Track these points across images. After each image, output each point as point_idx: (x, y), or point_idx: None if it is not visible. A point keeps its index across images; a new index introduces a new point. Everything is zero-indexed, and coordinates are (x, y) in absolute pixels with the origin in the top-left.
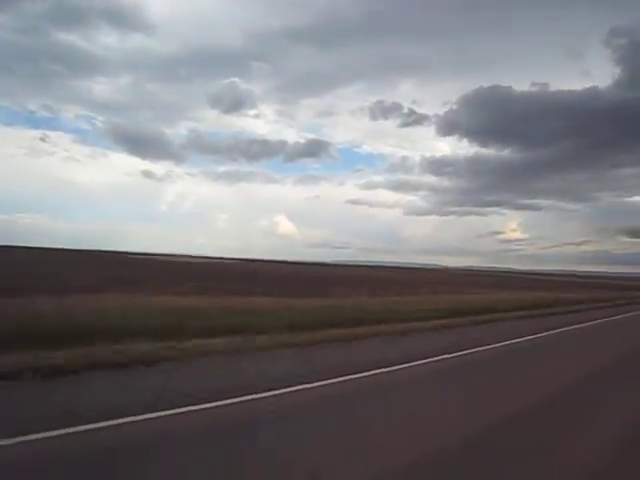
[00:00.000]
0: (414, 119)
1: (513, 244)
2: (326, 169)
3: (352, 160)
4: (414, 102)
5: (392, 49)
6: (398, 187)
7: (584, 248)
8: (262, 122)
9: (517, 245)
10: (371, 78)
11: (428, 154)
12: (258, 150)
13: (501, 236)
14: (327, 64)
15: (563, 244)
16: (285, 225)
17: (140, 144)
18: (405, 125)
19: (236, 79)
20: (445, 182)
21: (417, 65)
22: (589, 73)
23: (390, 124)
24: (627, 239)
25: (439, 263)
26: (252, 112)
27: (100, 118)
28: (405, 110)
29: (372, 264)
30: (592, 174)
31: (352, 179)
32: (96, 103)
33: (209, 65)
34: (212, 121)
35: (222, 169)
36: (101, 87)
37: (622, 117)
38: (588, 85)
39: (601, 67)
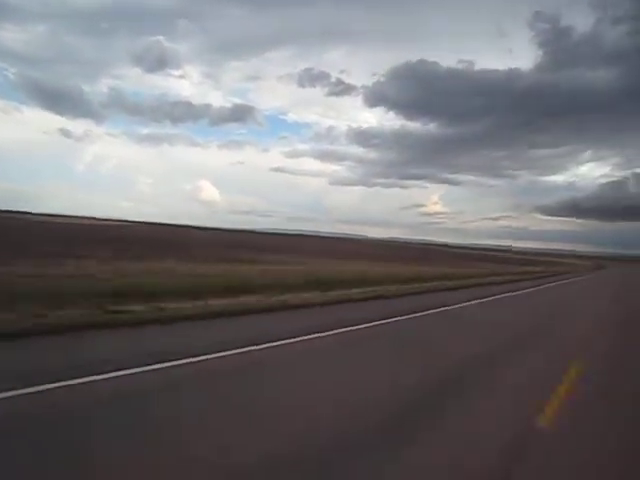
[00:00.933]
0: (342, 89)
1: (435, 217)
2: (251, 135)
3: (278, 127)
4: (343, 72)
5: (323, 16)
6: (324, 156)
7: (502, 223)
8: (187, 83)
9: (439, 218)
10: (301, 44)
11: (355, 125)
12: (182, 112)
13: (423, 209)
14: (257, 27)
15: (482, 219)
16: (209, 191)
17: (57, 100)
18: (332, 94)
19: (161, 37)
20: (371, 153)
21: (348, 35)
22: (513, 53)
23: (318, 92)
24: (541, 216)
25: (363, 234)
26: (177, 72)
27: (12, 70)
28: (333, 79)
29: (297, 233)
30: (511, 152)
31: (277, 146)
32: (7, 53)
33: (133, 20)
34: (135, 80)
35: (145, 131)
36: (13, 36)
37: (541, 99)
38: (512, 65)
39: (524, 49)
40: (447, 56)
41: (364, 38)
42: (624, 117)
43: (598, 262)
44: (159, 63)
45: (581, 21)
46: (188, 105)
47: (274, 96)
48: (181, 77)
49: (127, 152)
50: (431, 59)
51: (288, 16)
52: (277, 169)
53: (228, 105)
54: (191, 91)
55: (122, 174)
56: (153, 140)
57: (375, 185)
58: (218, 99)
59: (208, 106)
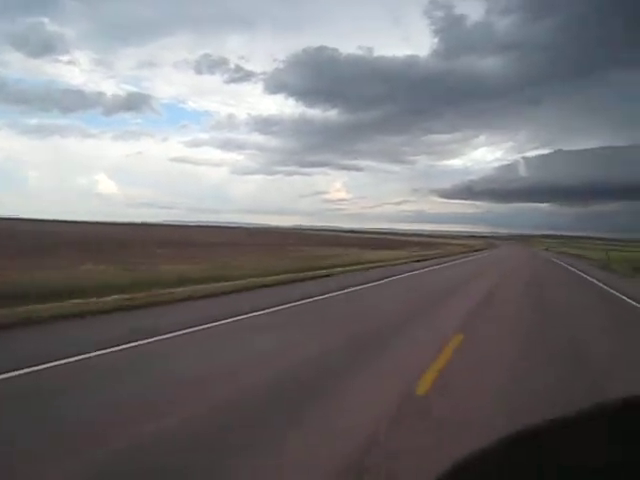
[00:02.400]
0: (241, 75)
1: (338, 204)
2: (148, 124)
3: (176, 116)
4: (242, 58)
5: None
6: (224, 145)
7: (402, 207)
8: (77, 70)
9: (341, 205)
10: (198, 30)
11: (255, 112)
12: (73, 101)
13: (326, 196)
14: (151, 12)
15: (383, 204)
16: (105, 184)
17: None
18: (232, 81)
19: (45, 19)
20: (272, 141)
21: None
22: (410, 41)
23: (217, 79)
24: (439, 199)
25: (266, 223)
26: (65, 58)
27: None
28: (232, 66)
29: (198, 224)
30: (410, 138)
31: (177, 136)
32: None
33: None
34: (17, 65)
35: (32, 121)
36: None
37: (437, 86)
38: (409, 52)
39: (421, 36)
40: (347, 42)
41: (263, 23)
42: (514, 104)
43: (491, 242)
44: (43, 47)
45: (473, 10)
46: (79, 93)
47: (171, 84)
48: (70, 63)
49: (12, 145)
50: (331, 45)
51: (184, 2)
52: (177, 159)
53: (122, 93)
54: (82, 78)
55: (7, 169)
56: (42, 131)
57: (277, 173)
58: (111, 87)
59: (101, 94)
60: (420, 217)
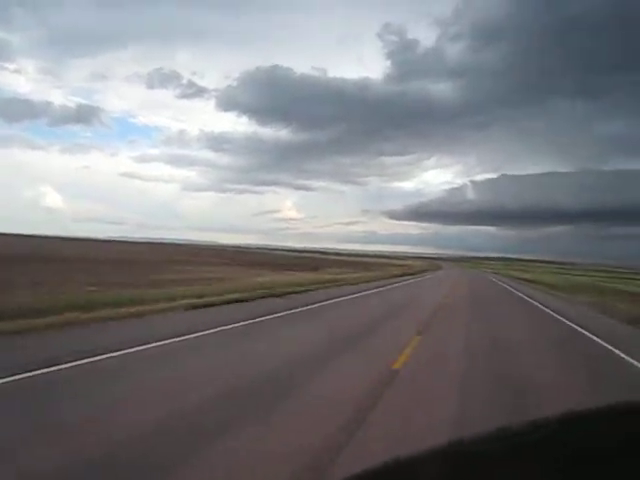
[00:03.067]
0: (194, 91)
1: (289, 223)
2: (98, 138)
3: (126, 130)
4: (195, 73)
5: (175, 15)
6: (175, 161)
7: (353, 228)
8: (23, 79)
9: (293, 224)
10: (151, 44)
11: (207, 129)
12: (19, 111)
13: (277, 215)
14: (103, 23)
15: (334, 224)
16: (52, 197)
17: None
18: (184, 97)
19: None
20: (224, 159)
21: (200, 35)
22: (364, 63)
23: (169, 94)
24: (390, 220)
25: (216, 240)
26: (10, 66)
27: None
28: (184, 81)
29: (147, 240)
30: (361, 159)
31: (126, 150)
32: None
33: None
34: None
35: None
36: None
37: (390, 108)
38: (363, 75)
39: (374, 59)
40: (301, 62)
41: (217, 40)
42: (463, 128)
43: (436, 263)
44: None
45: (425, 35)
46: (26, 103)
47: (122, 97)
48: (16, 72)
49: None
50: (285, 64)
51: (137, 13)
52: (127, 174)
53: (72, 105)
54: (28, 88)
55: None
56: None
57: (228, 191)
58: (60, 98)
59: (49, 105)
60: (371, 238)
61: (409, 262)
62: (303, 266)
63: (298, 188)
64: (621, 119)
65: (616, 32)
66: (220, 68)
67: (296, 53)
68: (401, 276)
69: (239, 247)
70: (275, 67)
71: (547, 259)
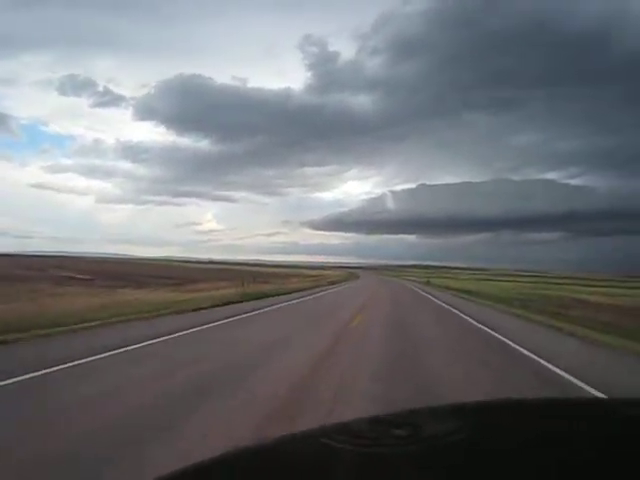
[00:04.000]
0: (110, 99)
1: (210, 235)
2: (5, 147)
3: (37, 139)
4: (111, 81)
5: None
6: (90, 172)
7: (275, 239)
8: None
9: (214, 236)
10: (64, 49)
11: (124, 138)
12: None
13: (198, 227)
14: (11, 24)
15: (256, 235)
16: None
17: None
18: (99, 105)
19: None
20: (141, 169)
21: (116, 42)
22: (285, 74)
23: (83, 102)
24: (311, 231)
25: (133, 254)
26: None
27: None
28: (100, 88)
29: (58, 254)
30: (282, 170)
31: (37, 160)
32: None
33: None
34: None
35: None
36: None
37: (310, 120)
38: (283, 85)
39: (295, 70)
40: (221, 72)
41: (136, 47)
42: (382, 140)
43: (355, 272)
44: None
45: (346, 48)
46: None
47: (32, 104)
48: None
49: None
50: (205, 74)
51: (49, 17)
52: (37, 185)
53: None
54: None
55: None
56: None
57: (147, 203)
58: None
59: None
60: (292, 248)
61: (327, 272)
62: (180, 280)
63: (219, 199)
64: (533, 131)
65: (529, 48)
66: (138, 76)
67: (216, 63)
68: (308, 289)
69: (153, 260)
70: (194, 76)
71: (468, 266)
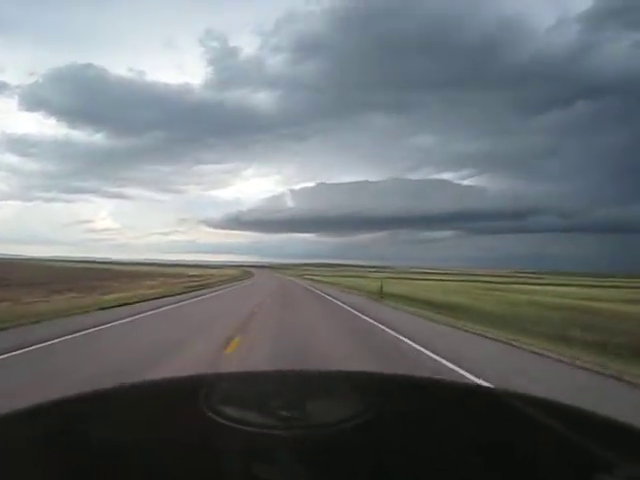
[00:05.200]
0: None
1: (104, 233)
2: None
3: None
4: None
5: None
6: None
7: (172, 237)
8: None
9: (108, 234)
10: None
11: (9, 130)
12: None
13: (91, 225)
14: None
15: (153, 233)
16: None
17: None
18: None
19: None
20: (29, 164)
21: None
22: (184, 68)
23: None
24: (209, 229)
25: (19, 253)
26: None
27: None
28: None
29: None
30: (180, 167)
31: None
32: None
33: None
34: None
35: None
36: None
37: (210, 116)
38: (183, 80)
39: (195, 64)
40: (117, 63)
41: (23, 32)
42: (282, 138)
43: (250, 271)
44: None
45: (247, 44)
46: None
47: None
48: None
49: None
50: (99, 64)
51: None
52: None
53: None
54: None
55: None
56: None
57: (35, 199)
58: None
59: None
60: (190, 247)
61: (211, 272)
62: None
63: (114, 197)
64: (430, 133)
65: (430, 52)
66: (24, 63)
67: (112, 53)
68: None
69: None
70: (88, 66)
71: (368, 264)
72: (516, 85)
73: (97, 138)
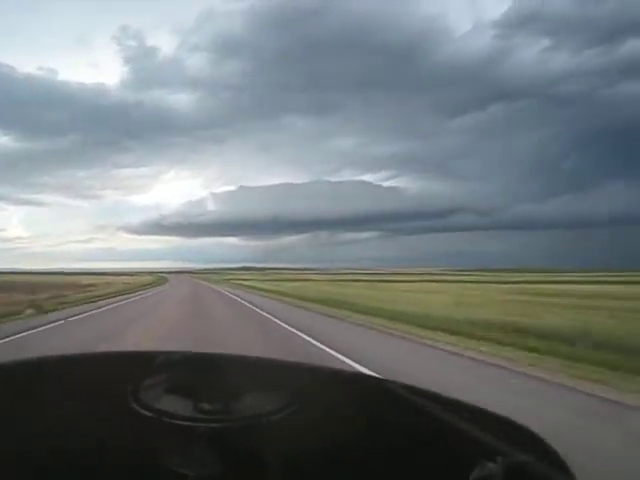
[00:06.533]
0: None
1: (16, 242)
2: None
3: None
4: None
5: None
6: None
7: (91, 245)
8: None
9: (21, 243)
10: None
11: None
12: None
13: (2, 233)
14: None
15: (70, 241)
16: None
17: None
18: None
19: None
20: None
21: None
22: (99, 67)
23: None
24: (129, 236)
25: None
26: None
27: None
28: None
29: None
30: (97, 172)
31: None
32: None
33: None
34: None
35: None
36: None
37: (127, 118)
38: (97, 80)
39: (111, 64)
40: (25, 61)
41: None
42: (202, 141)
43: (165, 277)
44: None
45: (165, 43)
46: None
47: None
48: None
49: None
50: (5, 61)
51: None
52: None
53: None
54: None
55: None
56: None
57: None
58: None
59: None
60: (109, 255)
61: (120, 279)
62: None
63: (26, 203)
64: (351, 135)
65: (349, 54)
66: None
67: (19, 50)
68: None
69: None
70: None
71: (292, 266)
72: (435, 87)
73: (4, 141)
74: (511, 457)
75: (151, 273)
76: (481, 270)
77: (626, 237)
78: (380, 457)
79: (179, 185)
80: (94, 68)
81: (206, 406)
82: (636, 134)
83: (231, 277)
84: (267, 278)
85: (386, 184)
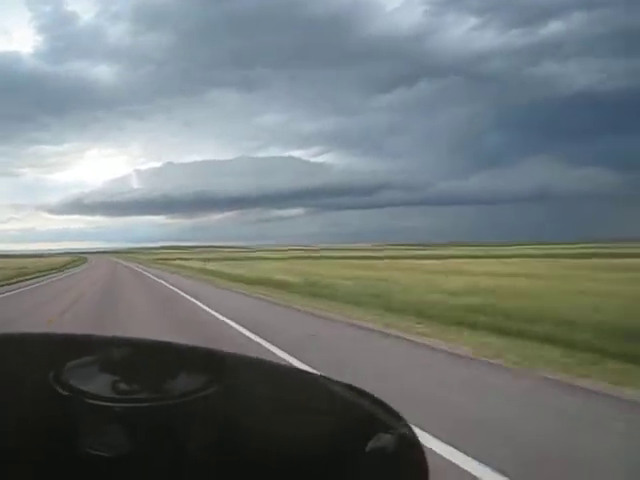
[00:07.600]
0: None
1: None
2: None
3: None
4: None
5: None
6: None
7: (7, 226)
8: None
9: None
10: None
11: None
12: None
13: None
14: None
15: None
16: None
17: None
18: None
19: None
20: None
21: None
22: (10, 35)
23: None
24: (50, 216)
25: None
26: None
27: None
28: None
29: None
30: (12, 148)
31: None
32: None
33: None
34: None
35: None
36: None
37: (44, 92)
38: (9, 49)
39: (24, 31)
40: None
41: None
42: (125, 116)
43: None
44: None
45: (85, 10)
46: None
47: None
48: None
49: None
50: None
51: None
52: None
53: None
54: None
55: None
56: None
57: None
58: None
59: None
60: (28, 236)
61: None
62: None
63: None
64: (278, 111)
65: (277, 28)
66: None
67: None
68: None
69: None
70: None
71: (220, 244)
72: (363, 63)
73: None
74: (398, 429)
75: (71, 254)
76: (410, 245)
77: (551, 211)
78: (286, 435)
79: (102, 162)
80: (6, 36)
81: (125, 386)
82: (556, 112)
83: (161, 257)
84: (195, 257)
85: (314, 160)
